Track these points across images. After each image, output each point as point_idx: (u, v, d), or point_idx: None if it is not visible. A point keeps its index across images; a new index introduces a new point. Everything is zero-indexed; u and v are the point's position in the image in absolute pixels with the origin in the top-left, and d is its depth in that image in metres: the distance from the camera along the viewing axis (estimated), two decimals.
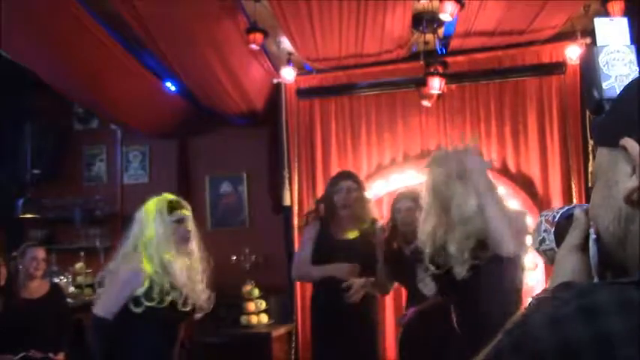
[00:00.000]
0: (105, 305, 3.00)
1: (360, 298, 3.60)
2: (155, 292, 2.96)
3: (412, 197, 3.65)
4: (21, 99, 6.17)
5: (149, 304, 2.94)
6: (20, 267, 4.63)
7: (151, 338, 3.01)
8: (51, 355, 4.51)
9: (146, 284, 2.96)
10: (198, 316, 3.23)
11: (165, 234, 3.03)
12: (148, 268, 2.99)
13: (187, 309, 3.05)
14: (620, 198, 0.77)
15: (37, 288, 4.68)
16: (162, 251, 3.02)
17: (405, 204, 3.65)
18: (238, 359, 5.37)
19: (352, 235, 3.81)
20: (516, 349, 0.69)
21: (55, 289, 4.88)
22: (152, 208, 3.09)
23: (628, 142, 0.75)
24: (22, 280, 4.63)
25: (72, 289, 5.83)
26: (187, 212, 3.15)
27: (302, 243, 4.00)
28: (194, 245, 3.16)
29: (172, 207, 3.11)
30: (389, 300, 5.34)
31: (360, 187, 3.88)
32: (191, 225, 3.15)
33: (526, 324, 0.70)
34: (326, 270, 3.73)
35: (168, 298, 2.98)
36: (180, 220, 3.10)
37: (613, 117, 0.83)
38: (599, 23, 1.24)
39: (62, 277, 5.84)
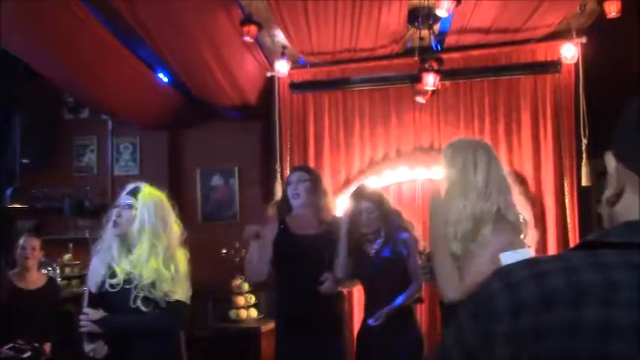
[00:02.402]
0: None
1: (331, 292, 3.54)
2: (102, 278, 2.97)
3: (372, 198, 3.68)
4: (11, 87, 6.09)
5: (98, 290, 2.96)
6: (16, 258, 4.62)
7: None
8: (36, 344, 4.48)
9: (102, 271, 2.97)
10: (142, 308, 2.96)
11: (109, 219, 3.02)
12: (100, 254, 3.02)
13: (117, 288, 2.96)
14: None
15: (33, 280, 4.65)
16: (106, 237, 3.02)
17: (365, 204, 3.65)
18: (227, 353, 5.35)
19: (313, 229, 3.65)
20: (474, 316, 0.81)
21: (52, 282, 4.85)
22: None
23: (607, 157, 0.89)
24: (19, 271, 4.60)
25: (60, 280, 5.77)
26: (129, 199, 3.00)
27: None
28: (133, 231, 2.96)
29: (125, 193, 3.05)
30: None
31: (313, 177, 3.72)
32: (124, 211, 2.97)
33: (481, 293, 0.82)
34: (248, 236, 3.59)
35: (114, 282, 2.94)
36: (115, 205, 3.03)
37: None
38: None
39: (50, 268, 5.79)
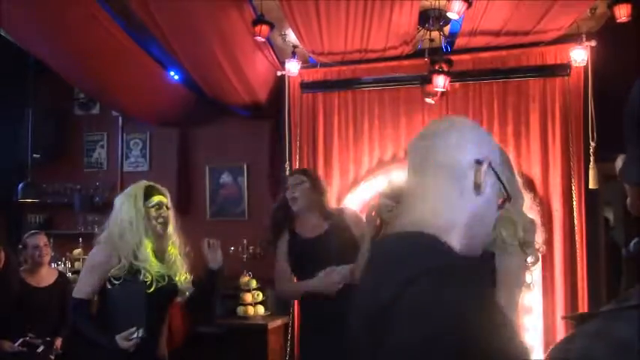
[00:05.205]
0: (78, 287, 3.18)
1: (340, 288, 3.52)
2: (125, 273, 3.07)
3: (392, 196, 3.56)
4: (22, 83, 6.15)
5: (117, 282, 3.08)
6: (22, 258, 4.64)
7: (126, 308, 3.08)
8: (48, 339, 4.52)
9: (118, 265, 3.07)
10: (178, 299, 3.34)
11: (137, 218, 3.12)
12: (120, 250, 3.10)
13: (151, 289, 3.08)
14: None
15: (45, 276, 4.67)
16: (133, 235, 3.11)
17: (384, 202, 3.51)
18: (234, 350, 5.38)
19: (321, 229, 3.69)
20: None
21: (63, 278, 4.89)
22: (127, 194, 3.22)
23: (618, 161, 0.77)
24: (30, 268, 4.62)
25: (69, 274, 5.82)
26: (164, 198, 3.23)
27: (277, 256, 3.86)
28: (171, 229, 3.23)
29: (148, 193, 3.20)
30: None
31: (309, 179, 3.75)
32: (167, 211, 3.21)
33: None
34: (309, 286, 3.64)
35: (140, 278, 3.07)
36: (156, 206, 3.17)
37: None
38: None
39: (60, 263, 5.84)
